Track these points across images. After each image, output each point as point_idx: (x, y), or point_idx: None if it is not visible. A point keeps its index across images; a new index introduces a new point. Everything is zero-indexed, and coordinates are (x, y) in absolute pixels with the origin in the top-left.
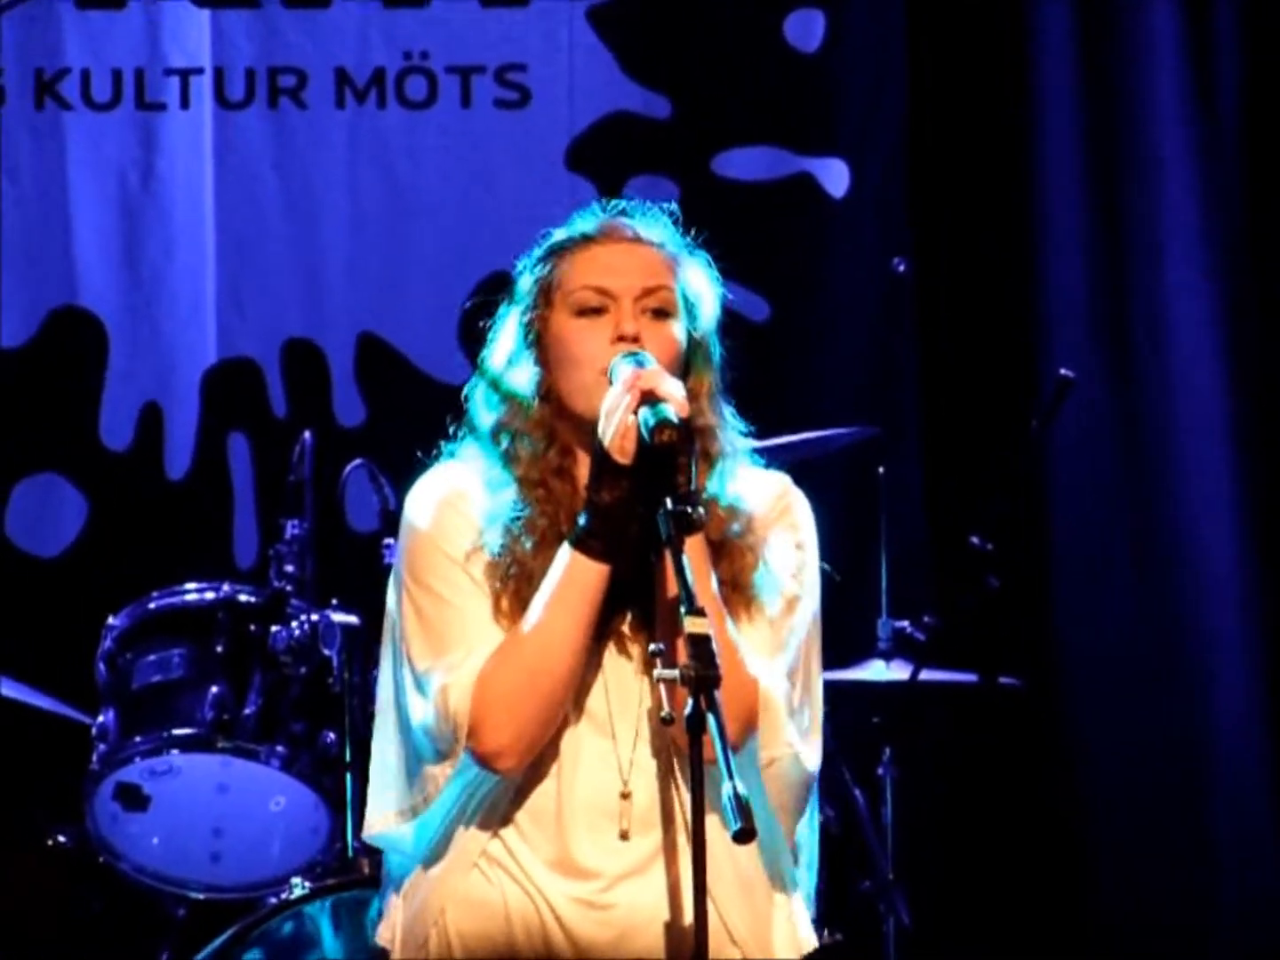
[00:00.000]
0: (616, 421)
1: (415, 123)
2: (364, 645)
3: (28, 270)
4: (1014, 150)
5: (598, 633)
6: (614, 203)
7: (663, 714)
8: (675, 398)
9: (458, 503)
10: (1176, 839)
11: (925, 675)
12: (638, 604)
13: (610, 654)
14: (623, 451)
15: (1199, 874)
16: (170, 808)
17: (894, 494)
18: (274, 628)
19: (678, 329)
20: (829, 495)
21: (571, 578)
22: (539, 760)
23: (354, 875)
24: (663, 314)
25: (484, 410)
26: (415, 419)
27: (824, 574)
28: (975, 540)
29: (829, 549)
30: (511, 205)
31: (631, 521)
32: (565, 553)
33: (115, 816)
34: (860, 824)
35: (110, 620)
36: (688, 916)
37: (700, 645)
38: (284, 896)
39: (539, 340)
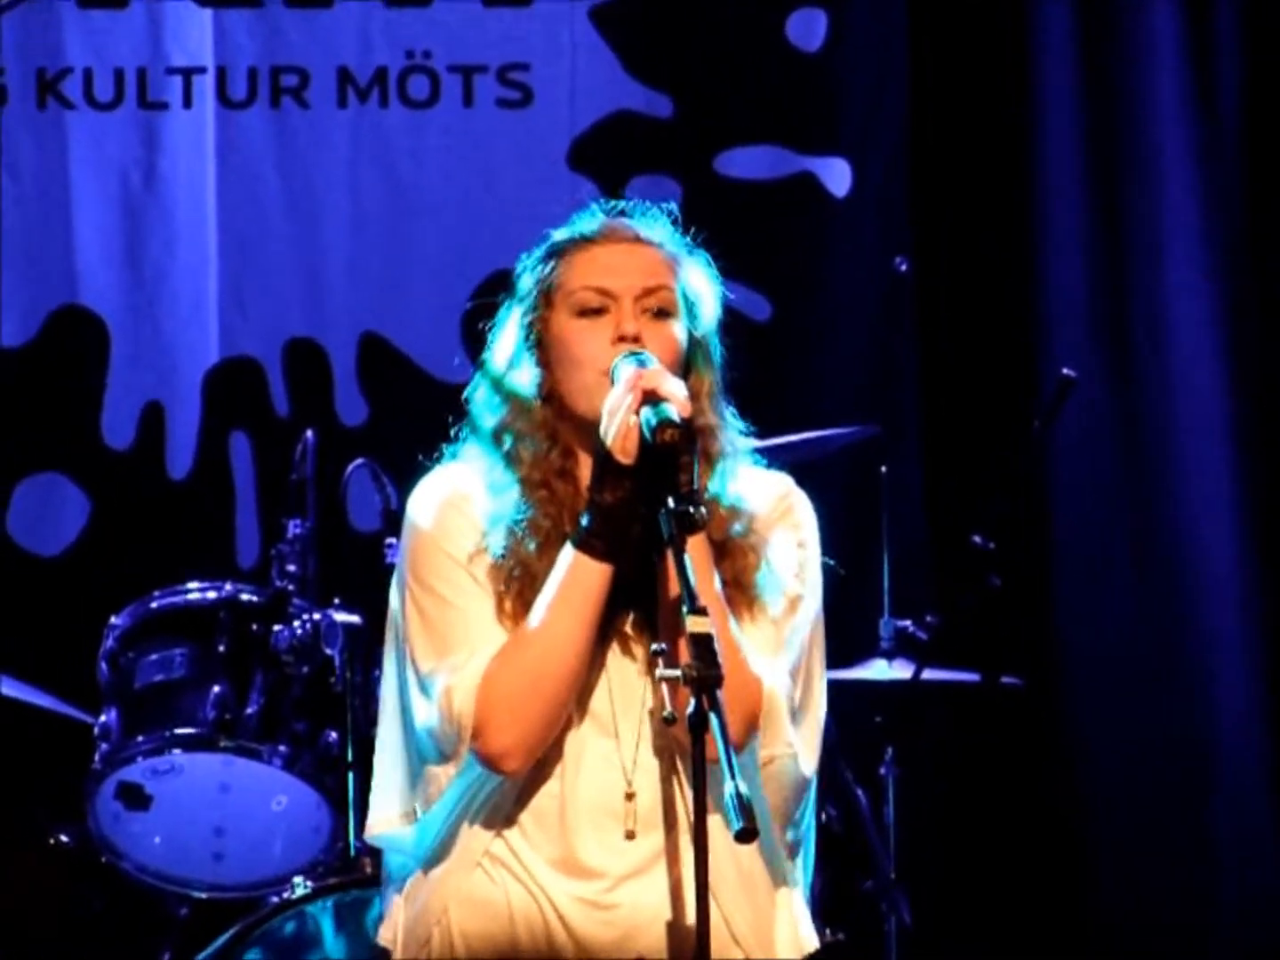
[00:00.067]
0: (618, 421)
1: (417, 122)
2: (366, 645)
3: (29, 270)
4: (1014, 150)
5: (601, 633)
6: (613, 203)
7: (665, 714)
8: (677, 397)
9: (460, 504)
10: (1177, 838)
11: (927, 675)
12: (641, 604)
13: (613, 654)
14: (625, 451)
15: (1199, 873)
16: (172, 807)
17: (895, 493)
18: (276, 627)
19: (678, 329)
20: (830, 495)
21: (574, 578)
22: (543, 760)
23: (356, 875)
24: (663, 314)
25: (485, 412)
26: (417, 418)
27: (828, 568)
28: (976, 539)
29: (830, 548)
30: (513, 205)
31: (634, 521)
32: (568, 553)
33: (117, 816)
34: (862, 823)
35: (112, 619)
36: (690, 916)
37: (702, 645)
38: (286, 896)
39: (540, 341)
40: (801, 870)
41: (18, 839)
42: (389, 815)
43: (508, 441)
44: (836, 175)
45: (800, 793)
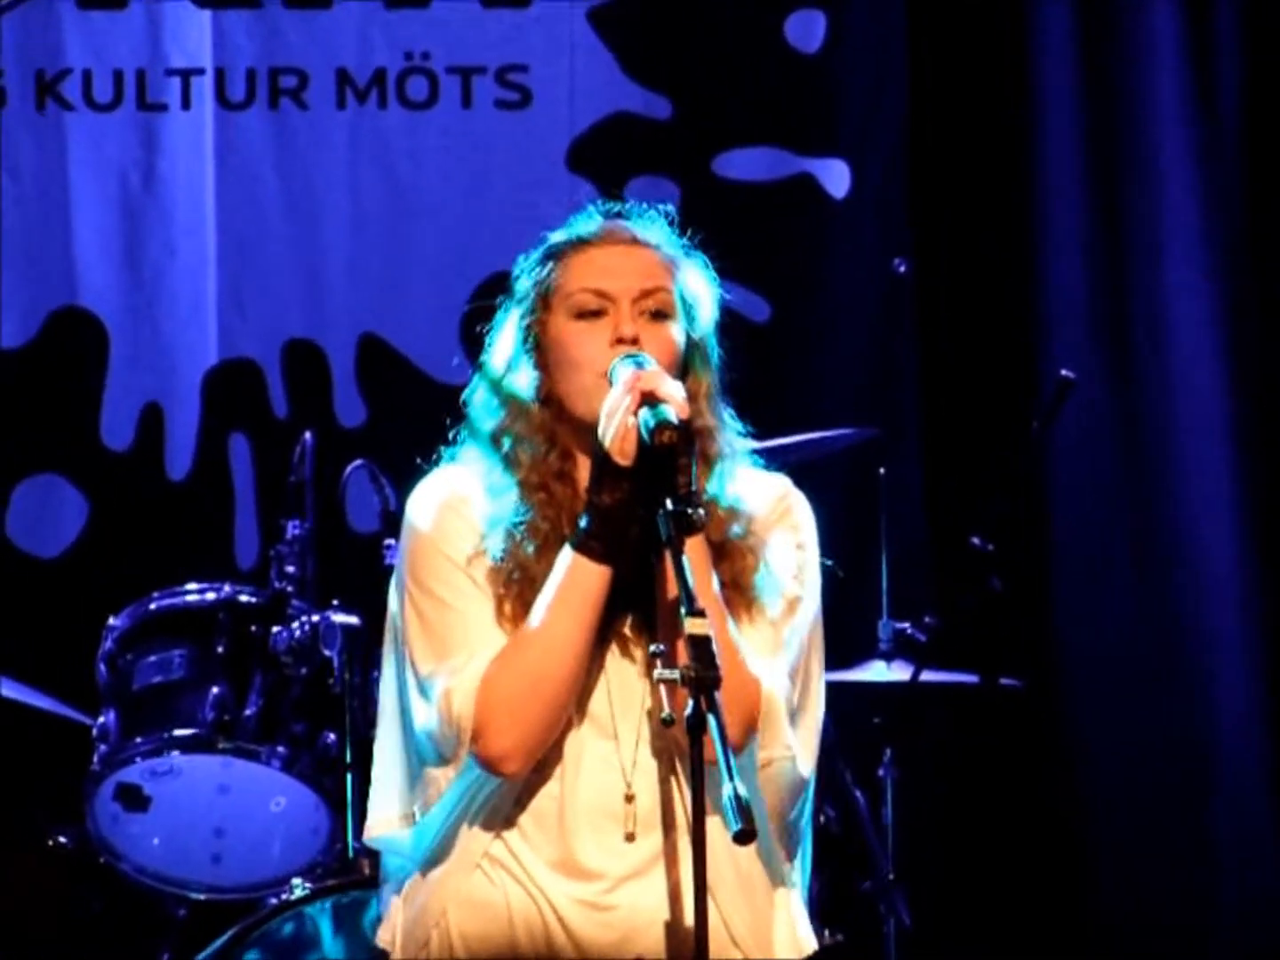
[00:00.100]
0: (617, 423)
1: (416, 123)
2: (365, 646)
3: (29, 271)
4: (1014, 151)
5: (600, 635)
6: (610, 205)
7: (663, 715)
8: (675, 399)
9: (459, 506)
10: (1176, 839)
11: (926, 676)
12: (639, 606)
13: (612, 656)
14: (623, 453)
15: (1199, 874)
16: (171, 808)
17: (894, 495)
18: (275, 628)
19: (676, 330)
20: (829, 496)
21: (573, 580)
22: (542, 762)
23: (354, 876)
24: (661, 315)
25: (484, 414)
26: (416, 419)
27: (828, 570)
28: (976, 541)
29: (829, 550)
30: (512, 206)
31: (632, 523)
32: (566, 555)
33: (116, 817)
34: (861, 824)
35: (111, 621)
36: (689, 917)
37: (700, 646)
38: (284, 897)
39: (538, 344)
40: (800, 871)
41: (17, 840)
42: (388, 817)
43: (506, 444)
44: (835, 176)
45: (798, 794)
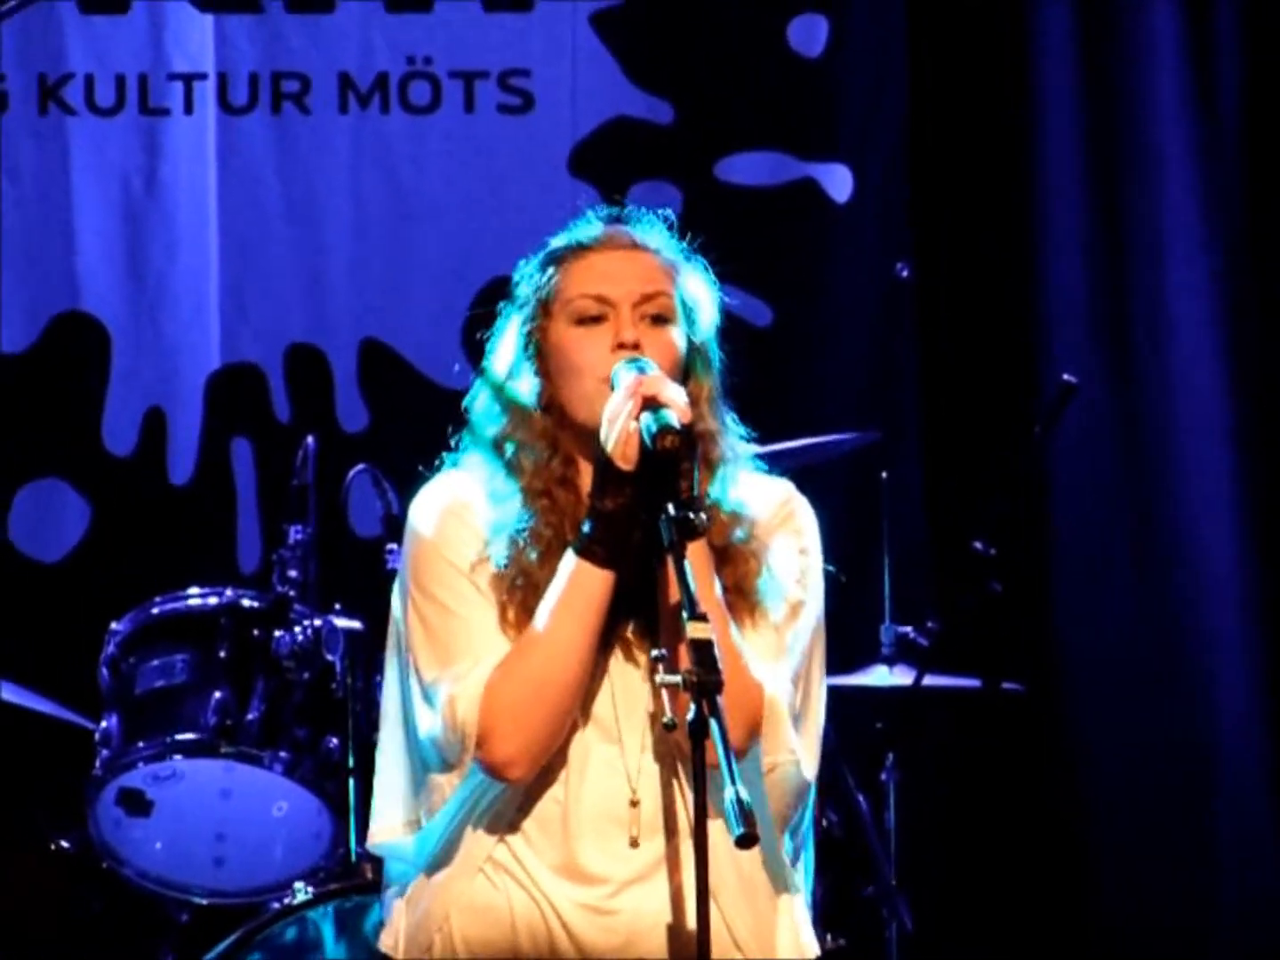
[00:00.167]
0: (619, 428)
1: (418, 128)
2: (367, 650)
3: (31, 275)
4: (1014, 152)
5: (603, 640)
6: (610, 210)
7: (665, 719)
8: (677, 403)
9: (462, 513)
10: (1178, 840)
11: (928, 680)
12: (643, 610)
13: (616, 660)
14: (625, 458)
15: (1200, 875)
16: (173, 813)
17: (896, 498)
18: (277, 633)
19: (677, 335)
20: (831, 500)
21: (576, 585)
22: (546, 767)
23: (357, 880)
24: (662, 320)
25: (486, 421)
26: (418, 424)
27: (830, 574)
28: (977, 545)
29: (831, 554)
30: (515, 210)
31: (635, 528)
32: (570, 560)
33: (118, 821)
34: (863, 829)
35: (113, 625)
36: (692, 921)
37: (702, 650)
38: (287, 901)
39: (539, 350)
40: (802, 876)
41: (18, 844)
42: (392, 824)
43: (509, 450)
44: (837, 181)
45: (801, 798)
